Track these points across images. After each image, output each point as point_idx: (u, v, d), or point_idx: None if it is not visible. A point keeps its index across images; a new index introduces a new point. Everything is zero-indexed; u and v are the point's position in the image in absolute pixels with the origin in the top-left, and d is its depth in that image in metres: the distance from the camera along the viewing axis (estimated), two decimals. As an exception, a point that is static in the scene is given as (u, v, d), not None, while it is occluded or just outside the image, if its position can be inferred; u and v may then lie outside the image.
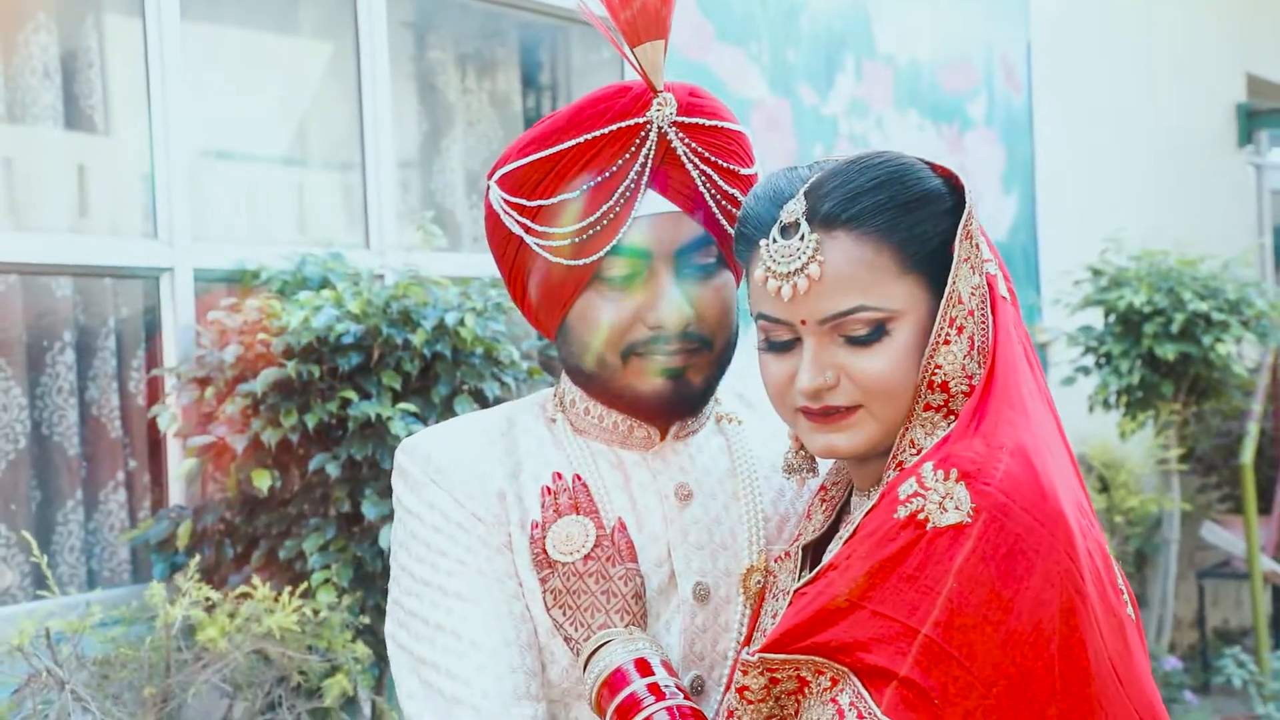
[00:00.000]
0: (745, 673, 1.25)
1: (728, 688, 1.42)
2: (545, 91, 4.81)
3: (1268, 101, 8.32)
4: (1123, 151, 6.97)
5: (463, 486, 1.49)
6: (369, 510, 2.86)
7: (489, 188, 1.53)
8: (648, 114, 1.44)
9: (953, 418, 1.29)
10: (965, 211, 1.31)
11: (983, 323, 1.30)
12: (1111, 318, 5.40)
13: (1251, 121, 8.16)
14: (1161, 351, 5.14)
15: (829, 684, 1.21)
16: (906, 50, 5.66)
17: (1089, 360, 5.50)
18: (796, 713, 1.25)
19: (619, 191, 1.43)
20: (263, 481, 2.91)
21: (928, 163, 1.34)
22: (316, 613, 2.72)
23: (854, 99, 5.38)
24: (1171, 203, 7.17)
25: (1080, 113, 6.64)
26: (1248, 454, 5.74)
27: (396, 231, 3.87)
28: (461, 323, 2.96)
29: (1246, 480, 5.70)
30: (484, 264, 3.98)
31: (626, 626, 1.41)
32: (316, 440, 2.97)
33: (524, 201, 1.47)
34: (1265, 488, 6.32)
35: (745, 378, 1.63)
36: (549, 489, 1.49)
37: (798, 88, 5.11)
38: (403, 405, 2.94)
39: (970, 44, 6.02)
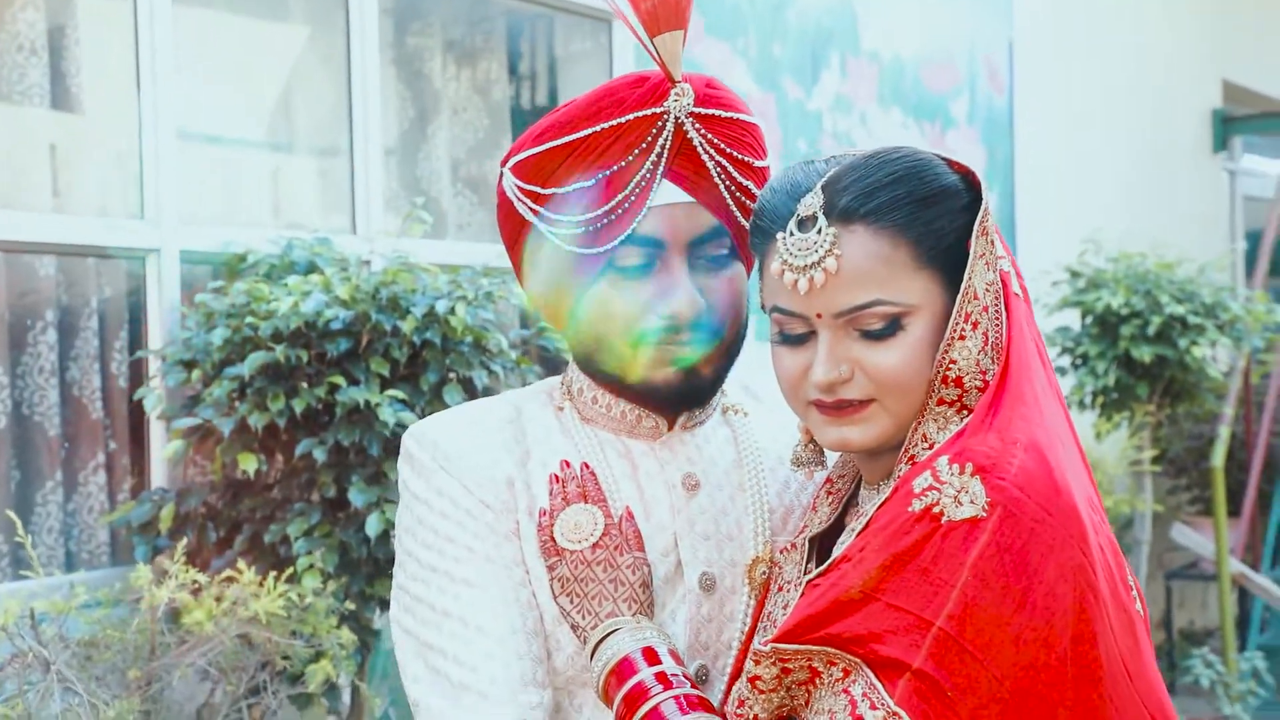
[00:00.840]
0: (758, 662, 1.25)
1: (733, 677, 1.43)
2: (529, 80, 4.80)
3: (1242, 108, 8.40)
4: (1101, 154, 7.02)
5: (471, 473, 1.49)
6: (355, 497, 2.85)
7: (502, 174, 1.53)
8: (665, 104, 1.44)
9: (966, 413, 1.30)
10: (981, 208, 1.32)
11: (997, 319, 1.31)
12: (1089, 319, 5.44)
13: (1226, 128, 8.23)
14: (1138, 353, 5.18)
15: (841, 675, 1.22)
16: (891, 48, 5.68)
17: (1065, 361, 5.54)
18: (807, 703, 1.26)
19: (634, 181, 1.43)
20: (249, 464, 2.90)
21: (944, 159, 1.35)
22: (301, 598, 2.71)
23: (838, 95, 5.40)
24: (1148, 206, 7.23)
25: (1060, 115, 6.69)
26: (1219, 457, 5.80)
27: (383, 217, 3.86)
28: (452, 311, 2.96)
29: (1217, 483, 5.75)
30: (469, 251, 3.98)
31: (633, 615, 1.41)
32: (303, 425, 2.96)
33: (538, 189, 1.47)
34: (1234, 491, 6.38)
35: (750, 369, 1.64)
36: (557, 477, 1.49)
37: (783, 83, 5.12)
38: (391, 392, 2.93)
39: (954, 44, 6.05)
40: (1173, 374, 5.40)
